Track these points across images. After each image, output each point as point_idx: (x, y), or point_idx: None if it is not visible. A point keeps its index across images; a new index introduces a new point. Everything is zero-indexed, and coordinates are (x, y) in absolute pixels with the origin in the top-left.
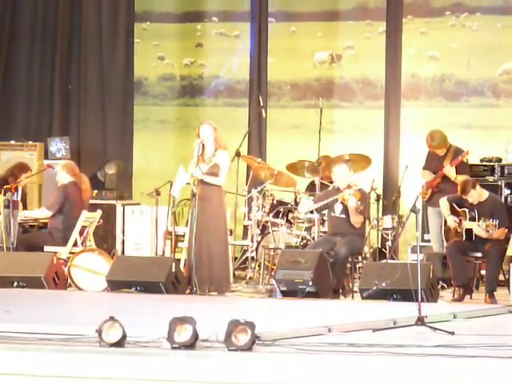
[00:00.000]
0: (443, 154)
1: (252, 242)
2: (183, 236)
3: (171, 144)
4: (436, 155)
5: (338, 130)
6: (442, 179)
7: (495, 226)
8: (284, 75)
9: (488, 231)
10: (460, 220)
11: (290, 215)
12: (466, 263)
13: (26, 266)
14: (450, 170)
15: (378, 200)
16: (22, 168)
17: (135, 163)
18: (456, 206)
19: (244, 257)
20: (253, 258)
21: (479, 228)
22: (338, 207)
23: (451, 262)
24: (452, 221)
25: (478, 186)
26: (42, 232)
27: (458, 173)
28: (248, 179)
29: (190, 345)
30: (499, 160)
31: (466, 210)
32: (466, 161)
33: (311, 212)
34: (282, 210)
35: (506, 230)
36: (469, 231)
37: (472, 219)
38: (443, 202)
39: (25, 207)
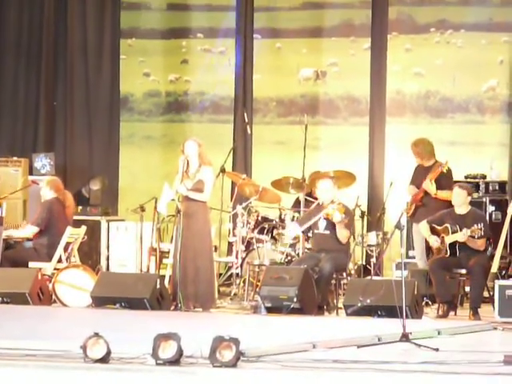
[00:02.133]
0: (428, 166)
1: (237, 258)
2: (168, 252)
3: (157, 160)
4: (422, 168)
5: (323, 146)
6: (425, 193)
7: (480, 229)
8: (269, 92)
9: (474, 236)
10: (442, 237)
11: (275, 231)
12: (450, 280)
13: (10, 282)
14: (429, 186)
15: (362, 216)
16: None
17: (121, 179)
18: (436, 226)
19: (229, 273)
20: (237, 274)
21: (464, 236)
22: (322, 224)
23: (434, 278)
24: (434, 241)
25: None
26: (26, 248)
27: (440, 187)
28: (233, 195)
29: (175, 361)
30: (484, 177)
31: (448, 226)
32: (446, 172)
33: None
34: (266, 226)
35: (489, 242)
36: (452, 246)
37: (454, 233)
38: (423, 226)
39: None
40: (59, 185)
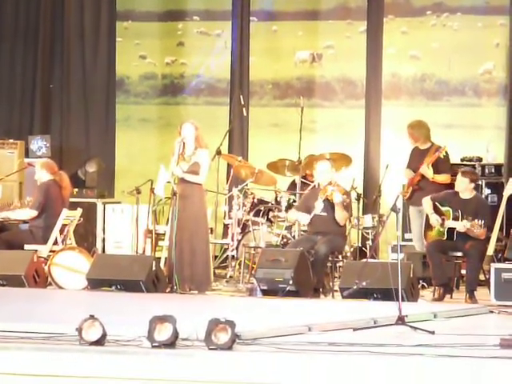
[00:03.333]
0: (424, 148)
1: (232, 240)
2: (164, 234)
3: (153, 142)
4: (418, 151)
5: (319, 128)
6: (422, 177)
7: (480, 225)
8: (265, 74)
9: (473, 231)
10: (443, 219)
11: (271, 214)
12: (446, 262)
13: (6, 264)
14: (426, 170)
15: (358, 199)
16: None
17: (117, 161)
18: (439, 205)
19: (224, 255)
20: (233, 256)
21: (464, 228)
22: (320, 205)
23: (431, 261)
24: (435, 219)
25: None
26: (22, 230)
27: (437, 171)
28: (229, 178)
29: (171, 343)
30: (480, 159)
31: (450, 210)
32: (443, 157)
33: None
34: (262, 208)
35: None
36: (450, 230)
37: (455, 219)
38: (426, 201)
39: None
40: (54, 166)
